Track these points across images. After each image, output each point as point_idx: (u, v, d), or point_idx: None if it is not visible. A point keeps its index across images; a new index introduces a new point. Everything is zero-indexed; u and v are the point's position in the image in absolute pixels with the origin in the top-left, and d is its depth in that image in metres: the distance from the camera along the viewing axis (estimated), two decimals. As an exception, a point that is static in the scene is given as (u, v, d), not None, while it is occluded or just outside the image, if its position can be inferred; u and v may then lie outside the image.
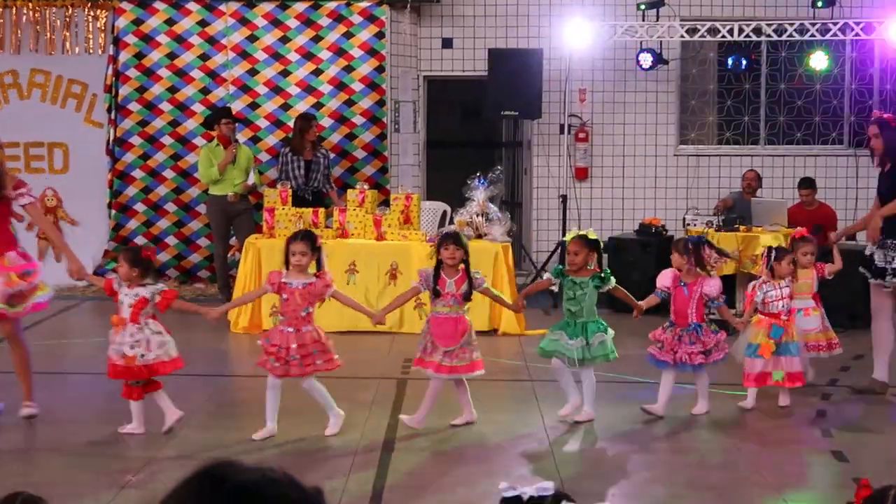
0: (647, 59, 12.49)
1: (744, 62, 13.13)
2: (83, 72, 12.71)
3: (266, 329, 9.47)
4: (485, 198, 10.73)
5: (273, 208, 10.68)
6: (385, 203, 11.37)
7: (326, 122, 12.45)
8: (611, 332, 7.33)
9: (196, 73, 12.56)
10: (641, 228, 12.14)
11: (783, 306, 7.74)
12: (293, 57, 12.55)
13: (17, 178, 7.47)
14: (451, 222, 11.09)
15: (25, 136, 12.65)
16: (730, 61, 13.23)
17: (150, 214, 12.65)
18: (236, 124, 11.81)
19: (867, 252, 8.05)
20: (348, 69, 12.54)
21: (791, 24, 12.21)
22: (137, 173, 12.61)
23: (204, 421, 7.37)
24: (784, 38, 12.40)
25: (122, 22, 12.52)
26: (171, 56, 12.56)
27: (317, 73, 12.56)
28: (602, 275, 7.31)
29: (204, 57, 12.57)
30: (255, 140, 12.49)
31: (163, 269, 12.47)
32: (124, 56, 12.52)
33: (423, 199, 11.89)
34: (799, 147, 13.54)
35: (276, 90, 12.56)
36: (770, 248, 7.96)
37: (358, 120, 12.56)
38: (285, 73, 12.55)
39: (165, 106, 12.57)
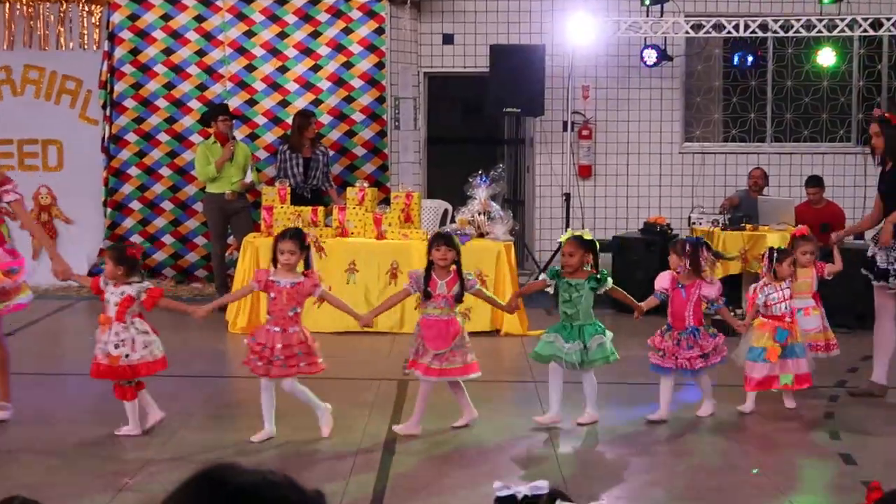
0: (651, 56, 12.46)
1: (750, 58, 13.04)
2: (78, 68, 12.59)
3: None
4: (487, 196, 10.68)
5: (271, 206, 10.61)
6: (385, 201, 11.29)
7: (325, 118, 12.31)
8: (609, 333, 7.21)
9: (193, 70, 12.43)
10: (646, 227, 12.03)
11: (785, 308, 7.67)
12: (291, 53, 12.42)
13: (3, 174, 7.32)
14: (453, 221, 11.06)
15: (19, 133, 12.57)
16: (735, 58, 13.15)
17: (147, 213, 12.52)
18: (234, 121, 11.71)
19: (869, 253, 7.98)
20: (347, 65, 12.41)
21: (798, 20, 12.15)
22: (133, 171, 12.48)
23: (202, 422, 7.32)
24: (791, 34, 12.32)
25: (117, 17, 12.39)
26: (167, 52, 12.43)
27: (315, 69, 12.42)
28: (598, 276, 7.17)
29: (200, 53, 12.43)
30: (252, 137, 12.36)
31: (159, 268, 12.43)
32: (119, 52, 12.39)
33: (423, 198, 11.85)
34: (806, 145, 13.46)
35: (274, 86, 12.43)
36: (771, 250, 7.89)
37: (357, 117, 12.43)
38: (283, 70, 12.42)
39: (161, 102, 12.43)
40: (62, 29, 12.54)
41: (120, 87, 12.38)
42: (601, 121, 13.22)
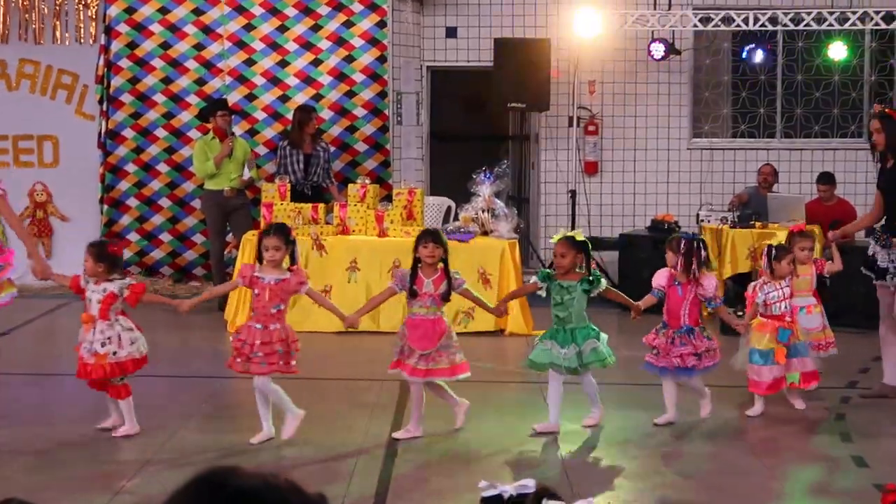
0: (658, 50, 12.35)
1: (759, 52, 12.87)
2: (74, 62, 12.45)
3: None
4: (491, 193, 10.61)
5: (271, 203, 10.55)
6: (387, 198, 11.16)
7: (326, 114, 12.17)
8: (604, 336, 7.09)
9: (191, 64, 12.28)
10: (653, 224, 11.93)
11: (785, 307, 7.57)
12: (291, 47, 12.26)
13: None
14: (456, 218, 11.05)
15: (14, 128, 12.41)
16: (745, 52, 12.98)
17: (144, 210, 12.38)
18: (233, 116, 11.58)
19: (869, 252, 7.88)
20: (349, 59, 12.26)
21: (808, 13, 12.06)
22: (130, 167, 12.35)
23: (201, 423, 7.29)
24: (801, 27, 12.18)
25: (113, 10, 12.25)
26: (165, 46, 12.28)
27: (316, 63, 12.27)
28: (591, 278, 7.02)
29: (199, 47, 12.28)
30: (252, 133, 12.22)
31: (157, 266, 12.36)
32: (116, 46, 12.24)
33: (426, 195, 11.76)
34: (817, 140, 13.30)
35: (274, 81, 12.28)
36: (770, 247, 7.78)
37: (359, 112, 12.29)
38: (283, 64, 12.26)
39: (159, 97, 12.28)
40: (58, 22, 12.39)
41: (117, 81, 12.24)
42: (608, 116, 13.07)
